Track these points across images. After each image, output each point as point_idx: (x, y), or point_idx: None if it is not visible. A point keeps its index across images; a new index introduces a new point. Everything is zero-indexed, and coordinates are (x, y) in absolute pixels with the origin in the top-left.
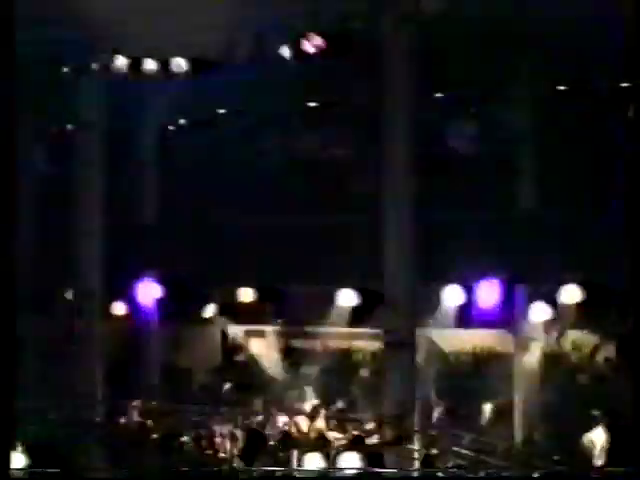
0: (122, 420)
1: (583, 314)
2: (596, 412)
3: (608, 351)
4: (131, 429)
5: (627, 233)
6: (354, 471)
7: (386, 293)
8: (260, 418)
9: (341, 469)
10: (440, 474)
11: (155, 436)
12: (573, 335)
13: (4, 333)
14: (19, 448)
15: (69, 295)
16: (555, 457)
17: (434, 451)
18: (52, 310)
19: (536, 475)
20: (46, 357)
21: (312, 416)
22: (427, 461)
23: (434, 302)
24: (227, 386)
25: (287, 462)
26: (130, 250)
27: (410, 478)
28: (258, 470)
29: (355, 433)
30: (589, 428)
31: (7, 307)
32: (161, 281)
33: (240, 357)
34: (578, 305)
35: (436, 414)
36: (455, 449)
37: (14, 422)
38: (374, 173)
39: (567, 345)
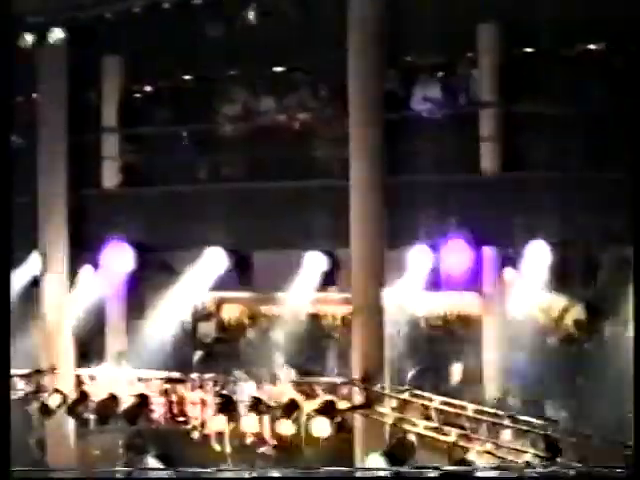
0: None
1: (551, 276)
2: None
3: (577, 313)
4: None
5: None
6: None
7: (353, 257)
8: (230, 385)
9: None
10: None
11: (125, 405)
12: (541, 297)
13: None
14: None
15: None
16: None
17: (404, 414)
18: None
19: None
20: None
21: (282, 382)
22: (397, 423)
23: (401, 266)
24: (197, 353)
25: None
26: (94, 218)
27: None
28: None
29: (326, 398)
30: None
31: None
32: (127, 248)
33: (209, 324)
34: (546, 267)
35: (407, 377)
36: (425, 411)
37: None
38: (339, 137)
39: (536, 307)
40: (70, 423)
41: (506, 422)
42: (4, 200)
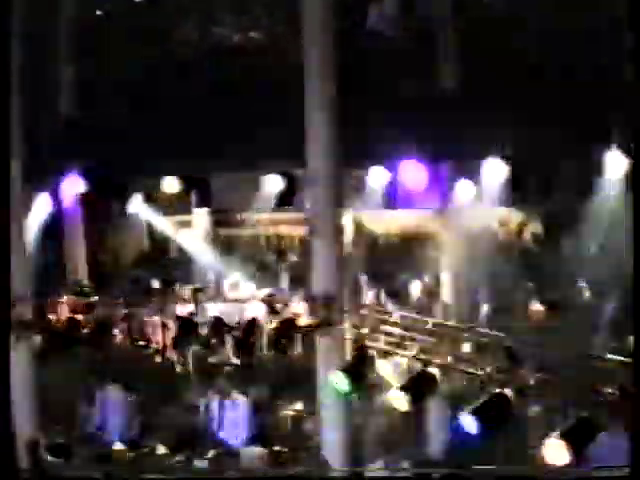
0: (52, 317)
1: (508, 190)
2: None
3: (534, 227)
4: (62, 324)
5: None
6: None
7: (309, 177)
8: (191, 307)
9: None
10: None
11: (86, 330)
12: (499, 212)
13: None
14: None
15: None
16: None
17: (364, 330)
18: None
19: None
20: None
21: (243, 302)
22: (357, 339)
23: (359, 184)
24: (156, 277)
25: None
26: (51, 144)
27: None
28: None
29: (286, 317)
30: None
31: None
32: (83, 175)
33: (168, 248)
34: (502, 181)
35: (366, 295)
36: (385, 327)
37: None
38: (294, 58)
39: (494, 222)
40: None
41: (466, 335)
42: None
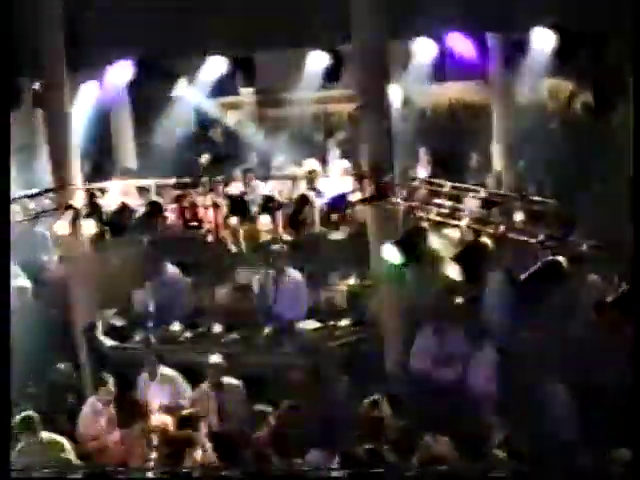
0: (103, 202)
1: (557, 60)
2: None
3: (585, 97)
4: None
5: None
6: None
7: (355, 52)
8: (241, 186)
9: None
10: None
11: (139, 213)
12: (548, 82)
13: None
14: None
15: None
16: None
17: (416, 202)
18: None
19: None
20: None
21: (293, 180)
22: (409, 212)
23: (405, 58)
24: (205, 158)
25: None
26: (97, 32)
27: None
28: None
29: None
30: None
31: None
32: (129, 62)
33: (215, 130)
34: (551, 51)
35: (416, 167)
36: (436, 199)
37: None
38: None
39: (543, 93)
40: (85, 238)
41: (519, 203)
42: None
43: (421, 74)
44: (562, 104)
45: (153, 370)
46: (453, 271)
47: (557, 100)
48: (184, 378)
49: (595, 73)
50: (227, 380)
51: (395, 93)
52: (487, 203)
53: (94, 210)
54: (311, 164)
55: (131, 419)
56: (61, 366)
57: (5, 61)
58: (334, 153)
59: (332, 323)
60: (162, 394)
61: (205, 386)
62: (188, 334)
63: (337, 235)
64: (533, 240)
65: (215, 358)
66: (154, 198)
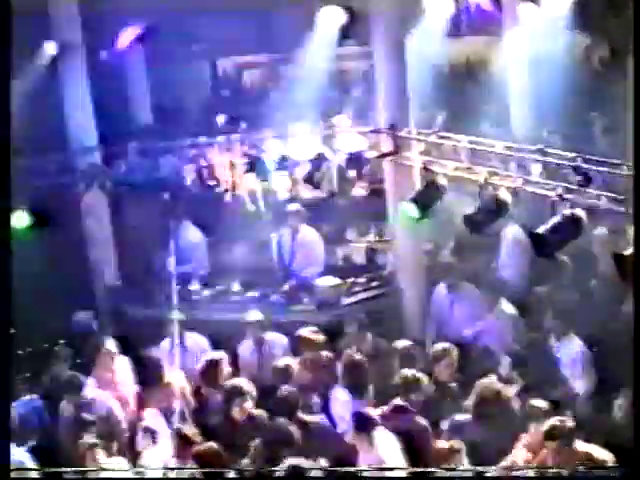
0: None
1: (573, 14)
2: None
3: (601, 51)
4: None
5: None
6: None
7: (371, 9)
8: (257, 145)
9: None
10: None
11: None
12: (565, 36)
13: None
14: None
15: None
16: None
17: (432, 158)
18: None
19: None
20: None
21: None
22: (426, 167)
23: (421, 13)
24: (221, 117)
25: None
26: None
27: None
28: None
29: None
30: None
31: None
32: (143, 20)
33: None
34: (568, 4)
35: (433, 121)
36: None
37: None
38: None
39: (560, 44)
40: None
41: (536, 156)
42: None
43: (437, 29)
44: (579, 58)
45: (177, 332)
46: (468, 225)
47: (574, 54)
48: (206, 337)
49: (612, 26)
50: (270, 335)
51: (411, 49)
52: (504, 157)
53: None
54: (328, 122)
55: (152, 378)
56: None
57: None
58: (350, 110)
59: (351, 280)
60: (188, 356)
61: (248, 343)
62: (207, 293)
63: (355, 192)
64: (551, 193)
65: (255, 315)
66: (172, 158)
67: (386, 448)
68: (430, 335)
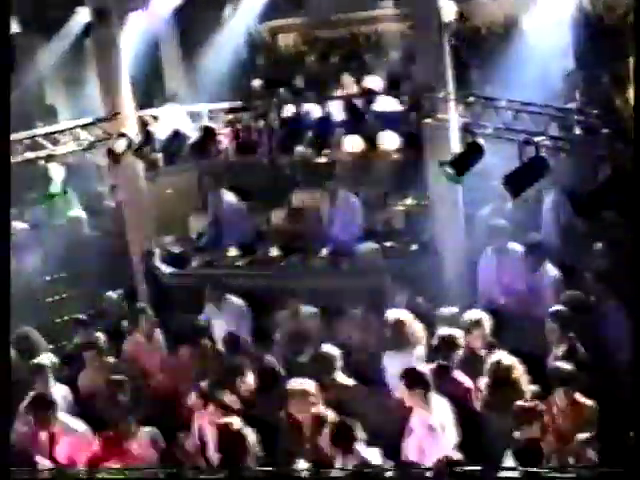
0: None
1: None
2: None
3: None
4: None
5: None
6: None
7: None
8: (294, 108)
9: None
10: None
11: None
12: None
13: None
14: None
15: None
16: None
17: (470, 119)
18: None
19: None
20: None
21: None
22: (464, 129)
23: None
24: (256, 82)
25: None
26: None
27: None
28: None
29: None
30: None
31: None
32: None
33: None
34: None
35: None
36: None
37: None
38: None
39: (600, 7)
40: (139, 166)
41: (577, 117)
42: None
43: None
44: (617, 18)
45: (219, 298)
46: (508, 187)
47: (613, 14)
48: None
49: None
50: (305, 309)
51: (449, 10)
52: (542, 117)
53: (147, 138)
54: (366, 84)
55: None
56: (112, 294)
57: None
58: (388, 73)
59: (390, 244)
60: (228, 323)
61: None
62: (246, 259)
63: (393, 156)
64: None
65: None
66: (207, 123)
67: (441, 412)
68: (470, 300)
